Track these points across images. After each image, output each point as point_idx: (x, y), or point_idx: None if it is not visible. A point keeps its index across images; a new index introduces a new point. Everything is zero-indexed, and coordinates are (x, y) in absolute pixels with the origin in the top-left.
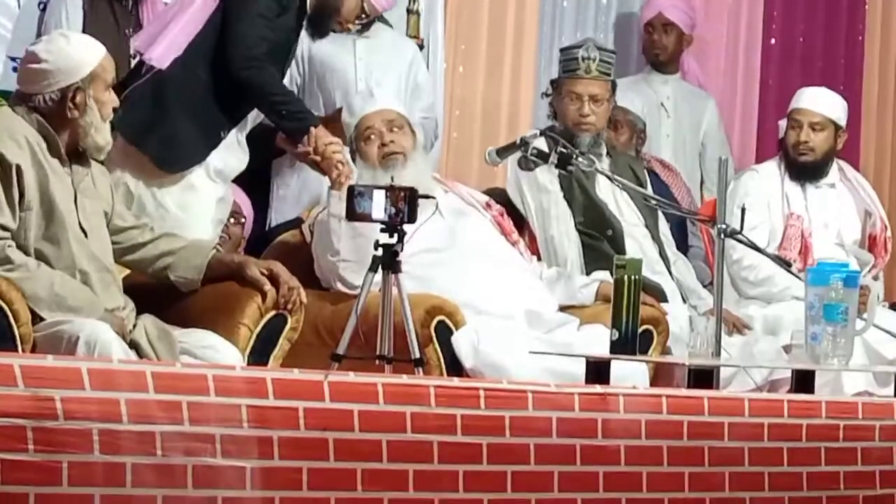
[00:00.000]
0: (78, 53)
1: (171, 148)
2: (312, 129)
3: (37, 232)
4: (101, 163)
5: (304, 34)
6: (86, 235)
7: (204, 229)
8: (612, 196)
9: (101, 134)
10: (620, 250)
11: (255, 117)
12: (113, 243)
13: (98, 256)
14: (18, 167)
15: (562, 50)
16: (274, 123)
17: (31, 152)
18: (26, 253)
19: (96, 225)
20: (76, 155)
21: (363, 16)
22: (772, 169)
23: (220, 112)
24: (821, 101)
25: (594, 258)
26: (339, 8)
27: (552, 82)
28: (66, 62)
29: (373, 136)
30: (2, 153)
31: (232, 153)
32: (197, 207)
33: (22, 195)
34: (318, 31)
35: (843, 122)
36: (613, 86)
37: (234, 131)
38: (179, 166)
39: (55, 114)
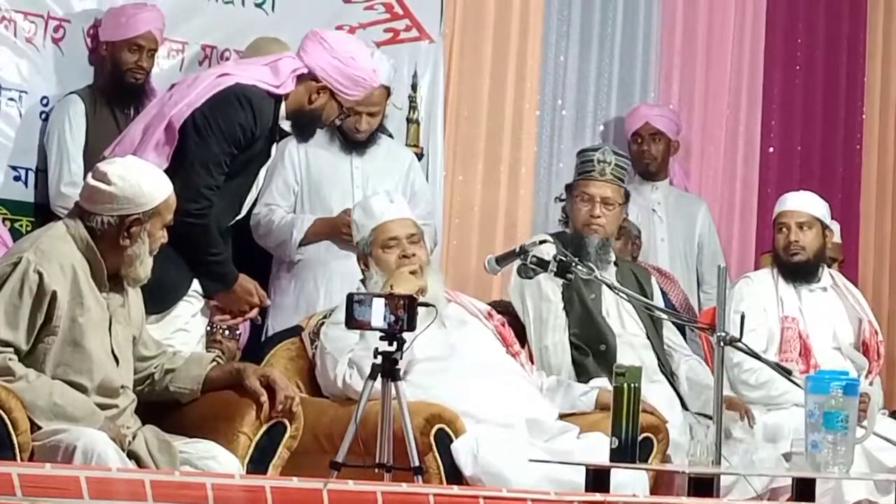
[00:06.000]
0: (148, 187)
1: (156, 292)
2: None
3: (58, 358)
4: None
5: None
6: (117, 362)
7: (191, 349)
8: (615, 305)
9: (143, 266)
10: (609, 366)
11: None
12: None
13: (126, 384)
14: (55, 293)
15: (579, 153)
16: (195, 272)
17: (72, 279)
18: None
19: (126, 351)
20: (114, 280)
21: (344, 114)
22: (765, 275)
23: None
24: (804, 202)
25: (578, 373)
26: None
27: (567, 187)
28: (134, 192)
29: (394, 246)
30: (43, 277)
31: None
32: (181, 331)
33: (49, 320)
34: (304, 137)
35: (828, 221)
36: (627, 195)
37: None
38: (166, 306)
39: (107, 237)
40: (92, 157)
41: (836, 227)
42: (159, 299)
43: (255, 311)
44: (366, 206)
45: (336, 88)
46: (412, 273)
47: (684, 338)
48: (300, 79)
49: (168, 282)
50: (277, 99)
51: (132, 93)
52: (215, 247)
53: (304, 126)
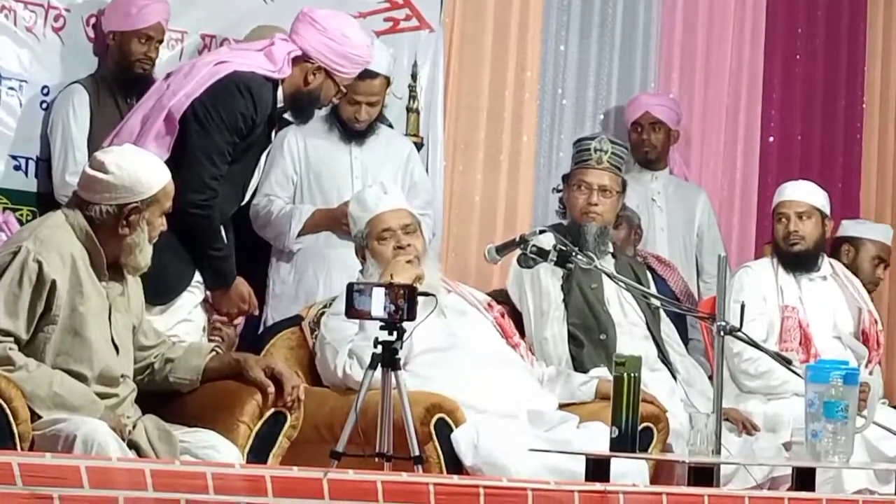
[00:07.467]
0: (146, 174)
1: (159, 283)
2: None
3: (58, 347)
4: None
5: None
6: (117, 351)
7: (194, 339)
8: (616, 294)
9: (143, 255)
10: (609, 355)
11: None
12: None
13: (126, 374)
14: (54, 283)
15: (575, 142)
16: (197, 265)
17: (72, 268)
18: None
19: (126, 340)
20: (114, 268)
21: (341, 92)
22: (765, 264)
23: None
24: (804, 191)
25: (574, 366)
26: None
27: (564, 177)
28: (132, 180)
29: (389, 237)
30: (42, 266)
31: None
32: (184, 321)
33: (48, 310)
34: (303, 118)
35: (827, 210)
36: (623, 183)
37: None
38: (170, 297)
39: (106, 226)
40: (96, 146)
41: (888, 230)
42: (163, 290)
43: (241, 319)
44: (360, 199)
45: (331, 68)
46: (408, 262)
47: (681, 331)
48: (295, 61)
49: (172, 273)
50: (275, 84)
51: (138, 82)
52: (218, 241)
53: (304, 108)
